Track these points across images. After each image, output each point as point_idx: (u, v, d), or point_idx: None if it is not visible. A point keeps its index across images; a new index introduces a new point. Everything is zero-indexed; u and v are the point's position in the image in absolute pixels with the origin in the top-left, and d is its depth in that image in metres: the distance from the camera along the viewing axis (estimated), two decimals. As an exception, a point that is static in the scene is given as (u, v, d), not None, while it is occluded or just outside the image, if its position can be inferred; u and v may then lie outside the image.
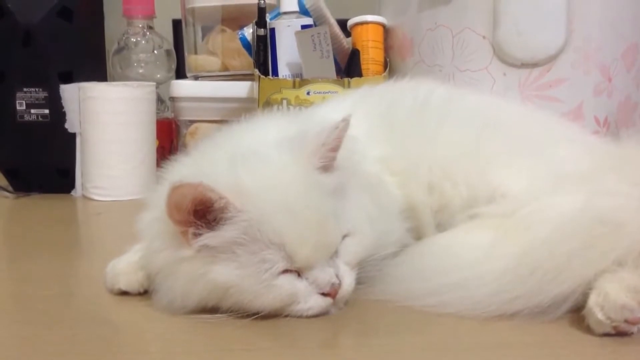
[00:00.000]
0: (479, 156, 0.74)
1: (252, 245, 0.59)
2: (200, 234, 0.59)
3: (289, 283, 0.60)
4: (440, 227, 0.74)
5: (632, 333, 0.55)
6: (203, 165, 0.66)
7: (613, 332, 0.55)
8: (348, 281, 0.62)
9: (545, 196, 0.64)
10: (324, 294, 0.61)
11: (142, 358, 0.56)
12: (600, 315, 0.54)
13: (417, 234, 0.76)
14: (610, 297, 0.54)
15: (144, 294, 0.69)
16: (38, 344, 0.58)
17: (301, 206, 0.60)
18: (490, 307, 0.58)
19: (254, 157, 0.63)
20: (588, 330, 0.56)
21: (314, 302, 0.61)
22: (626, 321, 0.54)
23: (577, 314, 0.57)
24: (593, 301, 0.55)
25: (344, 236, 0.63)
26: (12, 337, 0.61)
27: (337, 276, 0.61)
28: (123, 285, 0.69)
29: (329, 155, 0.63)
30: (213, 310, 0.62)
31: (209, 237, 0.59)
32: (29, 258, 0.90)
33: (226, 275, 0.59)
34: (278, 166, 0.62)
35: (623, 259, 0.56)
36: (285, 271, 0.60)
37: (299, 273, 0.60)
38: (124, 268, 0.70)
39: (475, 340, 0.56)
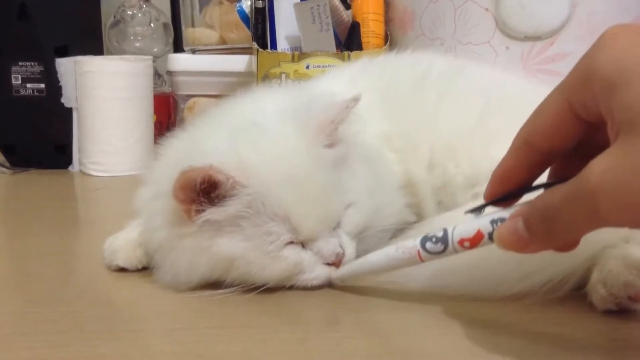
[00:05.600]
0: (482, 134, 0.73)
1: (256, 218, 0.59)
2: (203, 210, 0.59)
3: (295, 254, 0.60)
4: (442, 204, 0.74)
5: (635, 310, 0.54)
6: (203, 141, 0.65)
7: (616, 308, 0.54)
8: (350, 251, 0.63)
9: None
10: (328, 264, 0.62)
11: (142, 335, 0.56)
12: (603, 292, 0.54)
13: (417, 211, 0.76)
14: (613, 274, 0.53)
15: (143, 270, 0.69)
16: (37, 322, 0.58)
17: (305, 180, 0.60)
18: (500, 288, 0.57)
19: (254, 129, 0.62)
20: (591, 306, 0.56)
21: (320, 272, 0.61)
22: (629, 298, 0.53)
23: (579, 290, 0.57)
24: (596, 278, 0.55)
25: (346, 207, 0.63)
26: (11, 314, 0.61)
27: (340, 246, 0.62)
28: (121, 262, 0.68)
29: (335, 132, 0.63)
30: (217, 285, 0.62)
31: (213, 213, 0.59)
32: (27, 234, 0.90)
33: (232, 247, 0.59)
34: (280, 139, 0.61)
35: (630, 234, 0.55)
36: (290, 243, 0.60)
37: (303, 244, 0.61)
38: (122, 244, 0.69)
39: (476, 318, 0.56)
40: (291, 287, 0.62)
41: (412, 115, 0.77)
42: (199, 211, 0.59)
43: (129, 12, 1.55)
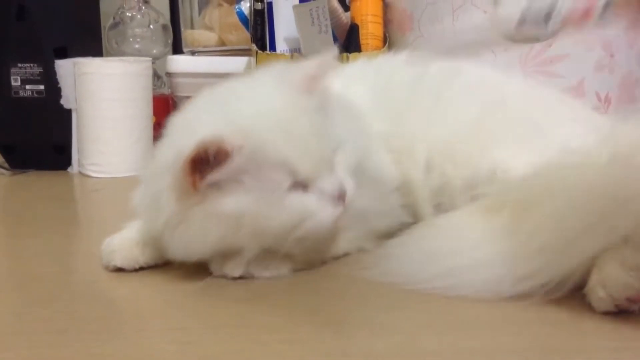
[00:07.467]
0: (480, 136, 0.73)
1: (256, 170, 0.61)
2: (205, 176, 0.60)
3: (297, 199, 0.62)
4: (440, 207, 0.74)
5: (633, 311, 0.54)
6: (194, 119, 0.66)
7: (615, 310, 0.54)
8: (351, 186, 0.65)
9: (552, 174, 0.63)
10: (334, 203, 0.63)
11: (140, 335, 0.56)
12: (602, 293, 0.54)
13: (414, 212, 0.76)
14: (612, 275, 0.53)
15: (140, 270, 0.69)
16: (36, 322, 0.58)
17: (294, 124, 0.62)
18: (500, 288, 0.58)
19: (239, 93, 0.65)
20: (589, 307, 0.56)
21: (328, 211, 0.63)
22: (628, 299, 0.53)
23: (578, 291, 0.57)
24: (595, 279, 0.55)
25: (335, 150, 0.66)
26: (10, 315, 0.61)
27: (341, 182, 0.64)
28: (119, 262, 0.69)
29: (315, 86, 0.66)
30: (233, 255, 0.63)
31: (215, 175, 0.60)
32: (26, 235, 0.90)
33: (238, 203, 0.60)
34: (265, 95, 0.65)
35: (629, 235, 0.55)
36: (293, 188, 0.62)
37: (305, 189, 0.62)
38: (120, 245, 0.69)
39: (475, 318, 0.56)
40: (293, 282, 0.63)
41: (408, 116, 0.77)
42: (202, 178, 0.60)
43: (128, 14, 1.55)
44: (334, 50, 0.68)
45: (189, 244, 0.63)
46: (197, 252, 0.63)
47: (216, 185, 0.60)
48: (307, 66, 0.66)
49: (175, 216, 0.62)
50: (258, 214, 0.60)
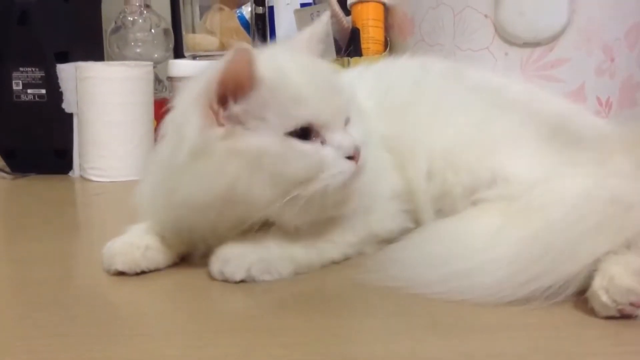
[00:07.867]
0: (481, 142, 0.73)
1: (279, 107, 0.62)
2: (228, 107, 0.62)
3: (315, 149, 0.63)
4: (441, 212, 0.74)
5: (636, 316, 0.54)
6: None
7: (617, 315, 0.54)
8: (365, 151, 0.66)
9: (554, 179, 0.63)
10: (349, 159, 0.65)
11: (141, 339, 0.56)
12: (605, 298, 0.54)
13: (415, 218, 0.76)
14: (615, 280, 0.53)
15: (141, 274, 0.69)
16: (37, 326, 0.58)
17: (318, 73, 0.67)
18: (503, 292, 0.57)
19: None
20: (591, 312, 0.56)
21: (344, 166, 0.64)
22: (631, 304, 0.53)
23: (579, 296, 0.57)
24: (598, 284, 0.55)
25: (348, 116, 0.67)
26: (11, 318, 0.61)
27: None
28: (120, 265, 0.69)
29: (320, 45, 0.71)
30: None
31: (237, 107, 0.62)
32: (27, 239, 0.90)
33: (260, 142, 0.62)
34: (285, 50, 0.69)
35: (632, 240, 0.55)
36: (312, 137, 0.63)
37: (323, 142, 0.64)
38: (121, 248, 0.69)
39: (476, 322, 0.56)
40: (295, 285, 0.63)
41: (409, 121, 0.77)
42: (225, 108, 0.62)
43: (129, 18, 1.55)
44: (324, 16, 0.73)
45: (203, 180, 0.63)
46: (208, 192, 0.63)
47: (240, 123, 0.62)
48: (305, 32, 0.72)
49: (198, 147, 0.62)
50: (277, 157, 0.62)
